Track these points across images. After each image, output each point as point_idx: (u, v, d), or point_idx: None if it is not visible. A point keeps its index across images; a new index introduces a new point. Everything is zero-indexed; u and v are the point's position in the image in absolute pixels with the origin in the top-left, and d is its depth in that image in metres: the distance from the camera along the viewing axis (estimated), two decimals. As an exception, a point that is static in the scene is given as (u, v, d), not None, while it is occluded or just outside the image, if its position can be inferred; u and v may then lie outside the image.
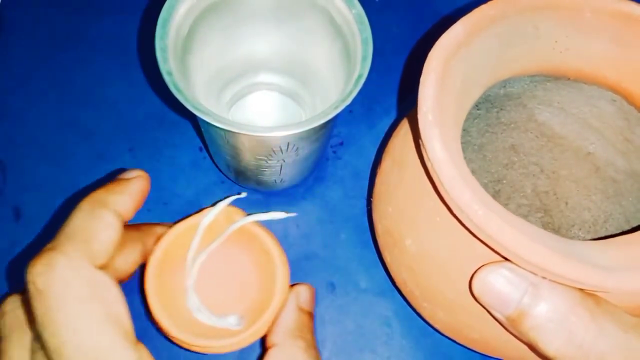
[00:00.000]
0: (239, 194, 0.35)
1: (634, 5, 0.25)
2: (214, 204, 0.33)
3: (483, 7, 0.24)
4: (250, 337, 0.31)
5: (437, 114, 0.22)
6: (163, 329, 0.31)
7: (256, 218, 0.33)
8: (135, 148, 0.39)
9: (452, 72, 0.23)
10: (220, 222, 0.33)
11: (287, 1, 0.32)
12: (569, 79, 0.28)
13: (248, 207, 0.34)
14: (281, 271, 0.32)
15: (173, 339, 0.31)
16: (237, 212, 0.34)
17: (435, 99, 0.22)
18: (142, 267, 0.33)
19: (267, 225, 0.37)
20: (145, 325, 0.34)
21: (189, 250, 0.33)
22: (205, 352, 0.31)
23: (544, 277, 0.21)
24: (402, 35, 0.44)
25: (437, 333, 0.33)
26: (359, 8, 0.29)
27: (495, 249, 0.21)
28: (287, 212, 0.34)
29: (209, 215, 0.33)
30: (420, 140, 0.22)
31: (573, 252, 0.20)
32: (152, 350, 0.33)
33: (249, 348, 0.34)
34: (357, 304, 0.35)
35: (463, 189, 0.20)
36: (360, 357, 0.34)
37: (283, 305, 0.32)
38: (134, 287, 0.35)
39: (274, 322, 0.30)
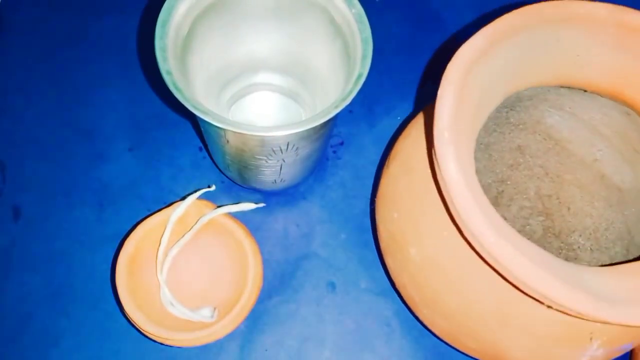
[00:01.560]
0: (209, 186, 0.35)
1: None
2: (183, 198, 0.33)
3: (507, 16, 0.23)
4: (224, 328, 0.31)
5: (454, 131, 0.21)
6: (136, 324, 0.31)
7: (226, 210, 0.33)
8: (135, 148, 0.39)
9: (471, 84, 0.22)
10: (190, 215, 0.33)
11: (286, 1, 0.32)
12: (585, 91, 0.28)
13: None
14: (253, 261, 0.32)
15: (146, 333, 0.31)
16: (207, 205, 0.34)
17: (453, 115, 0.21)
18: (114, 264, 0.32)
19: (266, 224, 0.37)
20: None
21: (160, 245, 0.33)
22: (181, 346, 0.31)
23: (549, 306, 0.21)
24: (402, 35, 0.44)
25: (437, 333, 0.33)
26: (358, 7, 0.29)
27: (504, 275, 0.20)
28: (256, 203, 0.35)
29: (179, 209, 0.33)
30: (434, 156, 0.21)
31: (581, 282, 0.20)
32: (147, 349, 0.33)
33: (251, 346, 0.34)
34: (357, 304, 0.35)
35: (475, 213, 0.20)
36: (360, 357, 0.34)
37: (256, 295, 0.31)
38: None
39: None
